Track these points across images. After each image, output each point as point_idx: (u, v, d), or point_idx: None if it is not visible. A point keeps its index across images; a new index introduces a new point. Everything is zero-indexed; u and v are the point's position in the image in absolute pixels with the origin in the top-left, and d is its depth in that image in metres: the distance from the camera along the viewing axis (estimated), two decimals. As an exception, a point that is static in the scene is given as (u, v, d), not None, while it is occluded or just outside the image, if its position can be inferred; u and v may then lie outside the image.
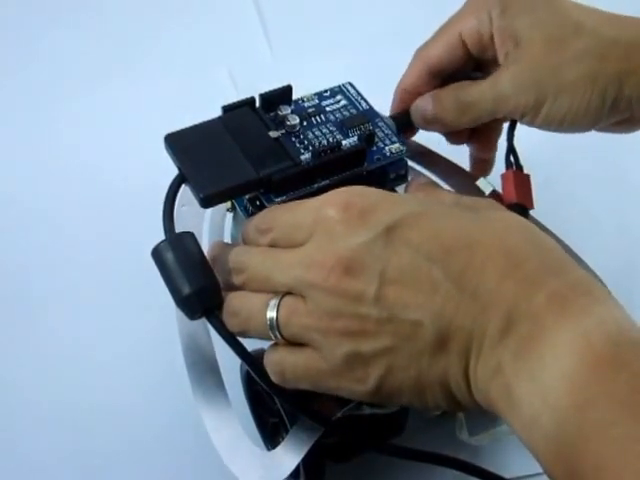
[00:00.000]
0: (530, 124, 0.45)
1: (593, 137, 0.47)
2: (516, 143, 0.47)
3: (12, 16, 0.71)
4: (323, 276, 0.34)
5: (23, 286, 0.54)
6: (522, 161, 0.47)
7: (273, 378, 0.37)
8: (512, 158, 0.47)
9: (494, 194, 0.47)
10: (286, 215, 0.38)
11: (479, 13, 0.45)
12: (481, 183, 0.48)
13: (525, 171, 0.47)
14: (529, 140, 0.47)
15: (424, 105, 0.47)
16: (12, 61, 0.68)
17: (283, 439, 0.39)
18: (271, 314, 0.36)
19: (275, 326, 0.36)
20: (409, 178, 0.46)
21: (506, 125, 0.48)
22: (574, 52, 0.43)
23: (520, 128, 0.47)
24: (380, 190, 0.37)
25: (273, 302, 0.36)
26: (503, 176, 0.47)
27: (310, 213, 0.36)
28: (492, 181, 0.49)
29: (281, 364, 0.36)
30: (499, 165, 0.47)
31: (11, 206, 0.58)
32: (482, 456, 0.44)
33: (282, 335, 0.36)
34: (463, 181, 0.49)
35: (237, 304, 0.38)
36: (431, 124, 0.47)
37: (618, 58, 0.42)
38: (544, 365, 0.30)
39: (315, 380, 0.36)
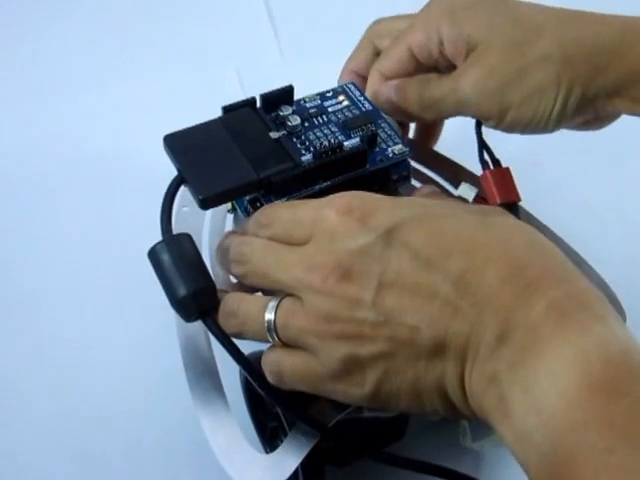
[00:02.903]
0: (494, 128, 0.44)
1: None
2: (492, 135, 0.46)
3: (14, 12, 0.71)
4: (321, 279, 0.34)
5: (20, 288, 0.54)
6: (502, 154, 0.46)
7: (270, 379, 0.37)
8: (487, 155, 0.45)
9: (479, 198, 0.46)
10: (287, 212, 0.37)
11: (428, 28, 0.44)
12: (464, 189, 0.47)
13: (504, 164, 0.45)
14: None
15: (388, 93, 0.46)
16: (14, 58, 0.69)
17: (282, 442, 0.38)
18: (269, 316, 0.35)
19: (273, 328, 0.35)
20: (412, 181, 0.45)
21: (472, 122, 0.46)
22: (536, 56, 0.42)
23: None
24: (383, 196, 0.36)
25: (272, 304, 0.35)
26: (481, 178, 0.45)
27: (311, 213, 0.36)
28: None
29: (278, 366, 0.36)
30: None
31: (10, 205, 0.58)
32: (484, 462, 0.44)
33: (279, 337, 0.35)
34: (467, 182, 0.48)
35: (234, 305, 0.37)
36: (395, 113, 0.46)
37: (581, 60, 0.42)
38: (539, 379, 0.29)
39: (312, 383, 0.35)
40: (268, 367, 0.37)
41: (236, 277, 0.39)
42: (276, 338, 0.36)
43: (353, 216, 0.34)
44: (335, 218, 0.35)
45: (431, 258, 0.33)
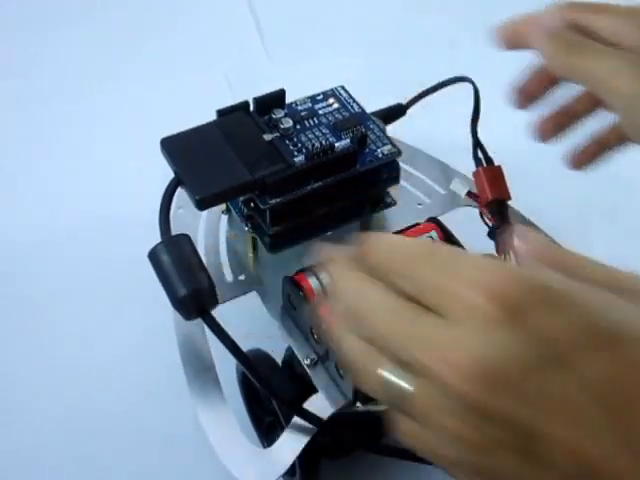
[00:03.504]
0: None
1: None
2: (483, 135, 0.47)
3: (9, 19, 0.72)
4: (462, 384, 0.27)
5: (20, 289, 0.55)
6: (492, 153, 0.47)
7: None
8: (480, 153, 0.47)
9: (470, 195, 0.47)
10: (431, 273, 0.29)
11: None
12: (456, 184, 0.48)
13: (496, 162, 0.47)
14: (497, 130, 0.47)
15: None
16: (7, 64, 0.69)
17: (279, 437, 0.39)
18: (405, 386, 0.29)
19: (403, 400, 0.29)
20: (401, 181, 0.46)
21: (468, 121, 0.47)
22: None
23: (487, 122, 0.47)
24: (533, 274, 0.28)
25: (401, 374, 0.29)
26: (474, 174, 0.47)
27: (459, 286, 0.28)
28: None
29: (414, 438, 0.29)
30: (472, 162, 0.47)
31: (7, 205, 0.59)
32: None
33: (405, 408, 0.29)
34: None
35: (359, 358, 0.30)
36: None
37: None
38: None
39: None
40: (404, 437, 0.30)
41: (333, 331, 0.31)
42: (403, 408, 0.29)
43: (506, 309, 0.27)
44: (485, 307, 0.27)
45: (608, 403, 0.26)
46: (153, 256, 0.39)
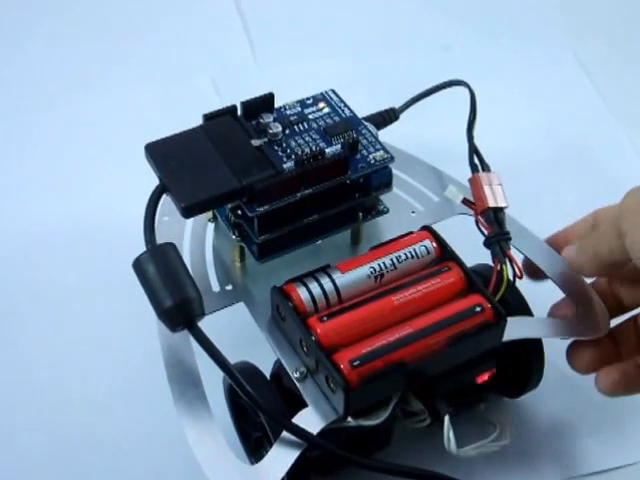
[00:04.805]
0: None
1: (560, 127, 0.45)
2: (479, 141, 0.46)
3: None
4: None
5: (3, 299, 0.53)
6: (487, 159, 0.46)
7: None
8: (476, 159, 0.46)
9: (465, 202, 0.46)
10: None
11: None
12: (451, 191, 0.47)
13: (492, 169, 0.46)
14: (492, 137, 0.46)
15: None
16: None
17: (267, 453, 0.38)
18: None
19: None
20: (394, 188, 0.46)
21: (464, 125, 0.47)
22: None
23: (482, 127, 0.46)
24: None
25: None
26: (470, 181, 0.46)
27: None
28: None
29: None
30: (466, 168, 0.47)
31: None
32: (471, 470, 0.44)
33: None
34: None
35: None
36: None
37: None
38: None
39: None
40: None
41: None
42: None
43: None
44: None
45: None
46: (137, 266, 0.38)
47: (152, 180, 0.41)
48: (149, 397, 0.46)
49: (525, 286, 0.44)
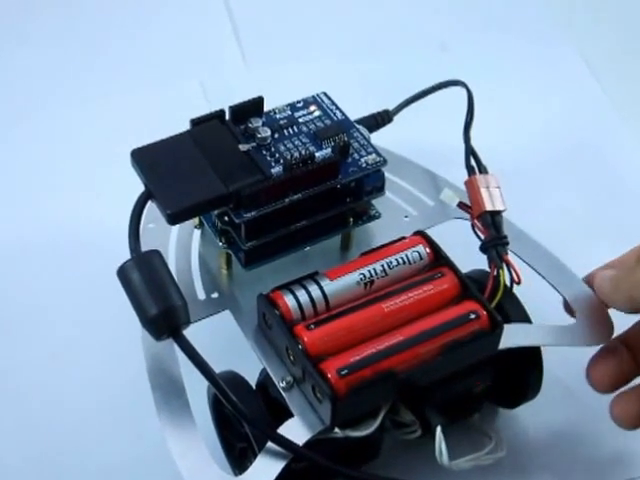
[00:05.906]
0: None
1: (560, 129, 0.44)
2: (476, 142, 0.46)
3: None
4: None
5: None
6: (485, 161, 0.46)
7: None
8: (473, 161, 0.45)
9: (461, 206, 0.45)
10: None
11: None
12: (446, 194, 0.46)
13: (490, 171, 0.45)
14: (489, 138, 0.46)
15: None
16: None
17: (251, 464, 0.37)
18: None
19: None
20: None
21: (459, 127, 0.46)
22: None
23: (480, 128, 0.45)
24: None
25: None
26: (467, 183, 0.45)
27: None
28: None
29: None
30: (462, 172, 0.46)
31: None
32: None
33: None
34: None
35: None
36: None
37: None
38: None
39: None
40: None
41: None
42: None
43: None
44: None
45: None
46: (122, 273, 0.38)
47: (138, 187, 0.41)
48: (133, 408, 0.45)
49: (523, 292, 0.43)
